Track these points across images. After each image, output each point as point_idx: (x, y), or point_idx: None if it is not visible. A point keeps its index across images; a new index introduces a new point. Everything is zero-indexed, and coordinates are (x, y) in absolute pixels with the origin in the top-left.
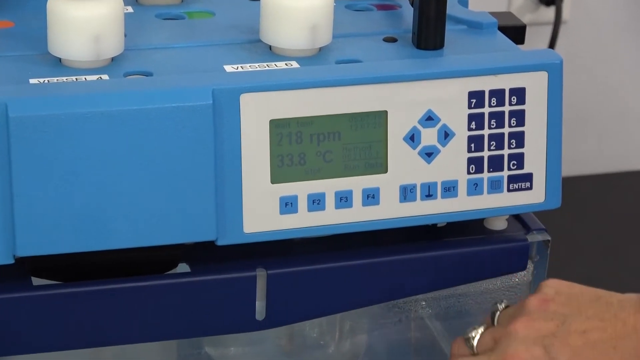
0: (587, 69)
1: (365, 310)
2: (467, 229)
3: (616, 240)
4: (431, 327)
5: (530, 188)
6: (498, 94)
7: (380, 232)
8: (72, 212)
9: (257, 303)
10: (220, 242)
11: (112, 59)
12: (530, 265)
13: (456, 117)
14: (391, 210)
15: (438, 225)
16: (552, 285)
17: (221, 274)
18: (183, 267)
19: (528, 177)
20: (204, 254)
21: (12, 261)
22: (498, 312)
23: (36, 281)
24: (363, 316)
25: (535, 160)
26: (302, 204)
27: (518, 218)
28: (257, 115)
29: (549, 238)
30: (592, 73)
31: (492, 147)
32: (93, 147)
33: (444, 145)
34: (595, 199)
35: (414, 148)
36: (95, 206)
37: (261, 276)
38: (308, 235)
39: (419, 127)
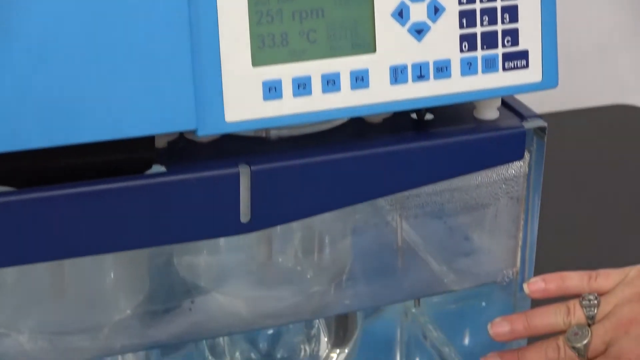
0: None
1: (349, 215)
2: (457, 120)
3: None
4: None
5: (527, 66)
6: None
7: (367, 127)
8: (33, 100)
9: (241, 203)
10: (200, 133)
11: None
12: (526, 155)
13: None
14: (381, 93)
15: (426, 118)
16: None
17: (200, 172)
18: (158, 169)
19: (524, 55)
20: (180, 156)
21: None
22: (592, 305)
23: None
24: (348, 223)
25: (530, 36)
26: (287, 88)
27: (510, 108)
28: None
29: (545, 125)
30: None
31: (484, 23)
32: (58, 26)
33: (434, 21)
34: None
35: (403, 25)
36: (61, 93)
37: (244, 173)
38: (294, 123)
39: (407, 1)
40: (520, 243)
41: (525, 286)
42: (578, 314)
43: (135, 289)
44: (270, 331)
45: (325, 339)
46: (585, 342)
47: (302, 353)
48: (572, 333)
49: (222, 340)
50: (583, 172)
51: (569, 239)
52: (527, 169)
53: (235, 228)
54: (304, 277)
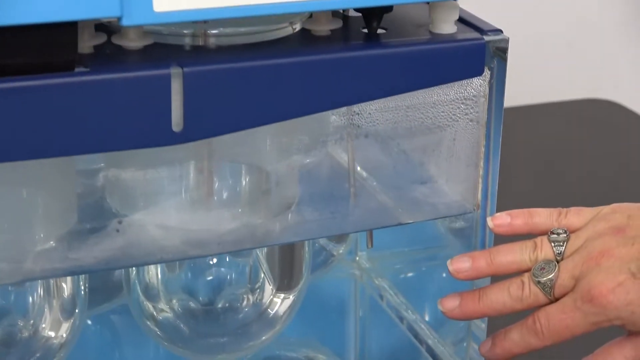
0: None
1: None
2: (412, 34)
3: None
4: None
5: None
6: None
7: (314, 39)
8: None
9: (173, 110)
10: (125, 22)
11: None
12: (487, 73)
13: None
14: None
15: (378, 32)
16: (621, 210)
17: (127, 72)
18: None
19: None
20: (106, 61)
21: None
22: (561, 239)
23: None
24: (292, 143)
25: None
26: None
27: (468, 23)
28: None
29: (507, 42)
30: None
31: None
32: None
33: None
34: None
35: None
36: None
37: (177, 75)
38: (231, 16)
39: None
40: (481, 173)
41: (489, 220)
42: (546, 250)
43: (61, 221)
44: (210, 277)
45: (270, 287)
46: (551, 276)
47: (245, 302)
48: (538, 268)
49: (157, 285)
50: (554, 163)
51: None
52: (487, 89)
53: (166, 138)
54: (245, 205)
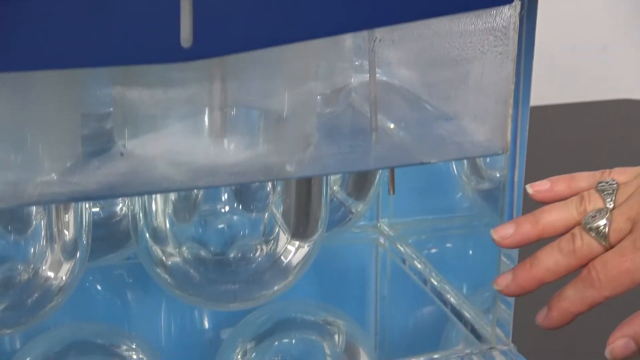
0: None
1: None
2: None
3: None
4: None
5: None
6: None
7: None
8: None
9: (182, 24)
10: None
11: None
12: (517, 3)
13: None
14: None
15: None
16: None
17: None
18: None
19: None
20: None
21: None
22: (610, 188)
23: None
24: (311, 66)
25: None
26: None
27: None
28: None
29: None
30: None
31: None
32: None
33: None
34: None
35: None
36: None
37: None
38: None
39: None
40: (510, 112)
41: (528, 187)
42: (594, 200)
43: (63, 142)
44: (221, 225)
45: (285, 236)
46: (604, 221)
47: (258, 253)
48: (589, 217)
49: (165, 229)
50: (585, 162)
51: None
52: (517, 22)
53: (174, 54)
54: (260, 133)
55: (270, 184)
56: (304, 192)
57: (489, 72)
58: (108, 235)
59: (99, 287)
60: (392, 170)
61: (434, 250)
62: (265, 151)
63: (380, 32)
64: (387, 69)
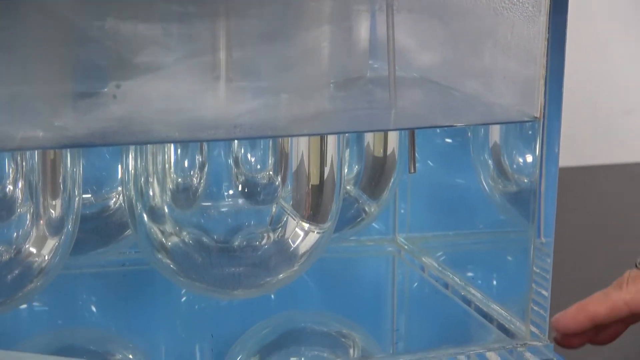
0: None
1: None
2: None
3: None
4: None
5: None
6: None
7: None
8: None
9: None
10: None
11: None
12: None
13: None
14: None
15: None
16: None
17: None
18: None
19: None
20: None
21: None
22: None
23: None
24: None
25: None
26: None
27: None
28: None
29: None
30: None
31: None
32: None
33: None
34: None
35: None
36: None
37: None
38: None
39: None
40: (543, 73)
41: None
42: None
43: (49, 93)
44: (225, 207)
45: (295, 221)
46: None
47: (265, 240)
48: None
49: (163, 207)
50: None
51: None
52: None
53: None
54: (268, 80)
55: (282, 162)
56: (317, 171)
57: (520, 28)
58: (100, 228)
59: (94, 294)
60: (412, 146)
61: (454, 258)
62: (274, 101)
63: None
64: (406, 14)
